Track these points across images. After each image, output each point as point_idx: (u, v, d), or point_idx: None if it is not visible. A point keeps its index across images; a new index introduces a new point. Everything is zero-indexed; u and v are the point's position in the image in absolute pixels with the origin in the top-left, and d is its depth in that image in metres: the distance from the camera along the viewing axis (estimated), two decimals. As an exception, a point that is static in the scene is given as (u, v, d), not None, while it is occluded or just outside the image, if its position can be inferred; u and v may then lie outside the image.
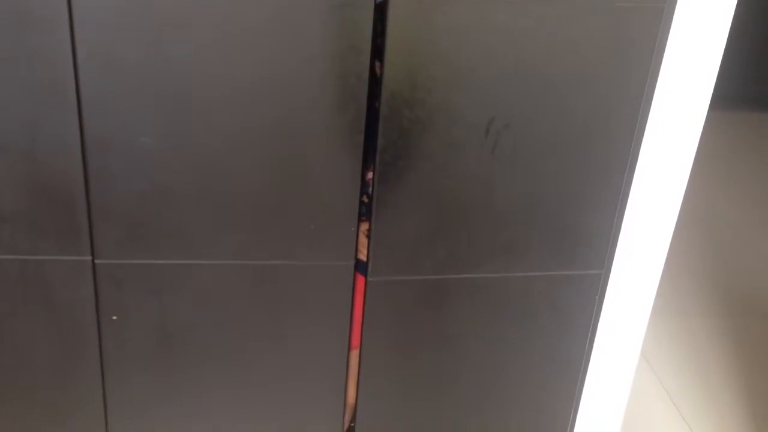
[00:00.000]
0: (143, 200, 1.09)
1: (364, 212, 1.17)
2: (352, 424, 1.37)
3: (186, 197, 1.10)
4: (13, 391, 1.23)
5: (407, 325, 1.27)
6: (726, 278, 2.53)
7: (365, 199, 1.16)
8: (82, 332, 1.18)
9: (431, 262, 1.22)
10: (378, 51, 1.05)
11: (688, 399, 1.92)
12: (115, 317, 1.17)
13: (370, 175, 1.15)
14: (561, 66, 1.10)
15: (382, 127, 1.09)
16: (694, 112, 1.22)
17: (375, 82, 1.07)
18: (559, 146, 1.16)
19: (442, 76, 1.07)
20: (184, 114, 1.04)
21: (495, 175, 1.16)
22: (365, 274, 1.21)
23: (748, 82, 3.94)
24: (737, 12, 1.16)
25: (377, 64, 1.06)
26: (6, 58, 0.99)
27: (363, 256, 1.21)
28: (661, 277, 1.38)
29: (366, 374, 1.29)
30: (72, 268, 1.13)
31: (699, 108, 1.22)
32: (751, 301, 2.41)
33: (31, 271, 1.13)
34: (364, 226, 1.19)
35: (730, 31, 1.17)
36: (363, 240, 1.20)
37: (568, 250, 1.25)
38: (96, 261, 1.13)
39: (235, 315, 1.21)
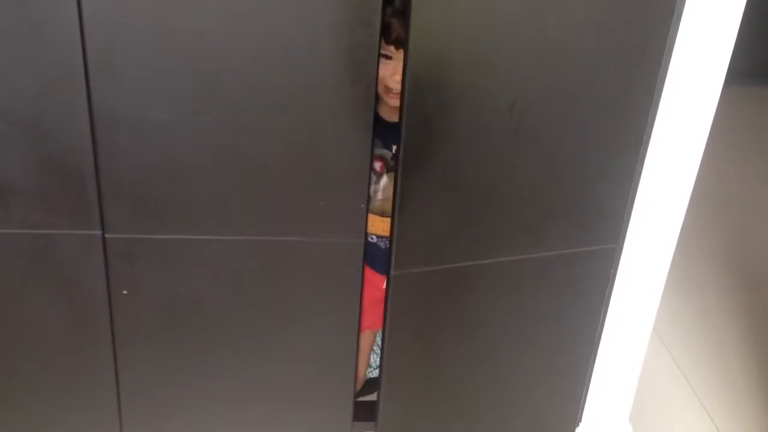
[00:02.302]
0: (153, 174, 1.09)
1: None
2: (360, 399, 1.37)
3: (196, 172, 1.09)
4: (25, 365, 1.24)
5: (431, 315, 1.27)
6: (738, 254, 2.52)
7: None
8: (94, 306, 1.19)
9: (454, 251, 1.21)
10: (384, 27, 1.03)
11: (700, 374, 1.92)
12: (125, 291, 1.18)
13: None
14: (581, 44, 1.08)
15: (405, 115, 1.07)
16: (708, 88, 1.21)
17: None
18: (577, 125, 1.15)
19: (464, 58, 1.05)
20: (194, 88, 1.03)
21: (519, 156, 1.15)
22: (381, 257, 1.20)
23: (759, 57, 3.90)
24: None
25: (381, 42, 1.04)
26: (12, 31, 0.98)
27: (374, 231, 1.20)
28: (674, 253, 1.37)
29: (389, 367, 1.29)
30: (82, 243, 1.13)
31: (714, 84, 1.21)
32: (763, 277, 2.40)
33: (42, 246, 1.13)
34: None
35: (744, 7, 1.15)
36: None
37: (584, 226, 1.25)
38: (106, 235, 1.13)
39: (245, 290, 1.21)
